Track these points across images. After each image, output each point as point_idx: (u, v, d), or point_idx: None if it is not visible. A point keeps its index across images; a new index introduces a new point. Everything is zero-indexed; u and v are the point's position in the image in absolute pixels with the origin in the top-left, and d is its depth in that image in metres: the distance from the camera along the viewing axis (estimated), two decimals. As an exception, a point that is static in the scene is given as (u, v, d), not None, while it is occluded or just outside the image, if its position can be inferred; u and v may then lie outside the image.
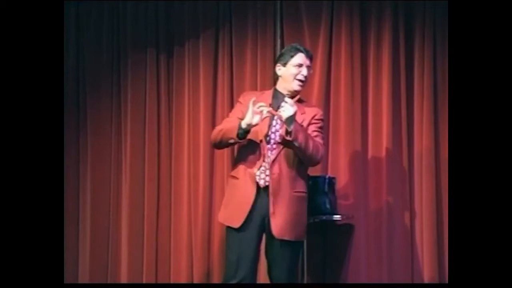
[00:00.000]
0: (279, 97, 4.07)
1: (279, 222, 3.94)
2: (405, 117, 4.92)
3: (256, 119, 3.91)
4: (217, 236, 4.99)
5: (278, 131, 4.02)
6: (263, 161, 3.99)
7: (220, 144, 4.13)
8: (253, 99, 3.94)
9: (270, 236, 3.98)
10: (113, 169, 5.18)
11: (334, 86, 4.99)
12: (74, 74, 5.24)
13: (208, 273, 5.02)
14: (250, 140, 4.01)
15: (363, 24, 4.99)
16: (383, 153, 4.90)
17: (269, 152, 3.99)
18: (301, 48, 4.13)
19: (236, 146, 4.20)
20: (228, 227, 4.04)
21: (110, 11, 5.24)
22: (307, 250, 4.59)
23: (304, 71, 4.07)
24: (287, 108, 3.88)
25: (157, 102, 5.18)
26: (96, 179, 5.20)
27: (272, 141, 4.02)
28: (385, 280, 4.81)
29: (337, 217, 4.63)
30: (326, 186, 4.59)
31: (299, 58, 4.08)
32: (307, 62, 4.11)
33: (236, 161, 4.16)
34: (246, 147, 4.05)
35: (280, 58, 4.17)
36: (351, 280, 4.82)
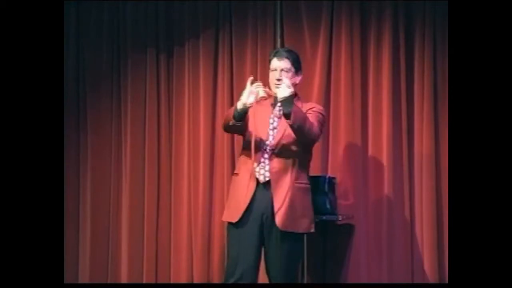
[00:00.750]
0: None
1: (282, 213, 3.93)
2: (405, 117, 4.91)
3: (251, 99, 3.93)
4: (217, 236, 5.00)
5: (276, 128, 4.03)
6: (262, 156, 4.00)
7: (226, 128, 4.13)
8: (251, 78, 3.97)
9: (269, 234, 3.96)
10: (113, 169, 5.19)
11: (334, 86, 4.98)
12: (74, 74, 5.25)
13: (208, 273, 5.02)
14: (250, 137, 4.01)
15: (363, 24, 4.99)
16: (383, 153, 4.89)
17: (268, 147, 4.00)
18: (278, 52, 4.14)
19: (238, 143, 4.19)
20: (229, 224, 4.05)
21: (110, 11, 5.25)
22: (307, 250, 4.59)
23: (277, 74, 4.06)
24: (283, 89, 3.89)
25: (157, 102, 5.19)
26: (96, 179, 5.20)
27: (271, 137, 4.02)
28: (385, 280, 4.81)
29: (337, 217, 4.63)
30: (326, 186, 4.59)
31: (273, 63, 4.11)
32: (282, 65, 4.07)
33: (238, 158, 4.18)
34: (246, 144, 4.06)
35: None
36: (351, 280, 4.82)
